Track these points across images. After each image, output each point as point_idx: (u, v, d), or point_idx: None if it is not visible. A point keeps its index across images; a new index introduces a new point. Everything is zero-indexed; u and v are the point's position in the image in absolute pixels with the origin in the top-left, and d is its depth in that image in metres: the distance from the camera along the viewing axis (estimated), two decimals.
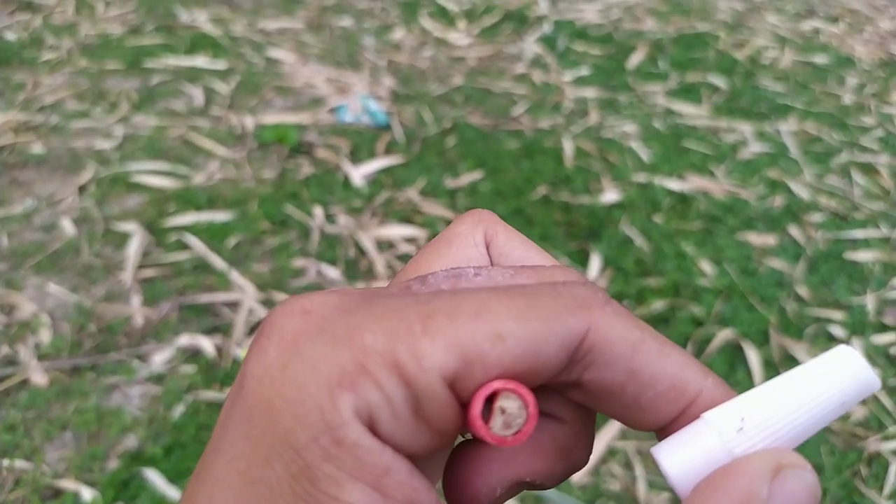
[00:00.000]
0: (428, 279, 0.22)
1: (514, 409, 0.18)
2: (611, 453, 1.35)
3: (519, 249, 0.24)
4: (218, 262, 1.68)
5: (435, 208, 1.91)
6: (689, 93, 2.62)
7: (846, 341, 1.61)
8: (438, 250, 0.24)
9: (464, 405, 0.19)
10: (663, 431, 0.21)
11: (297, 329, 0.19)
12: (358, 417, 0.17)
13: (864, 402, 1.48)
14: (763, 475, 0.18)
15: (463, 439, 0.24)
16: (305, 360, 0.18)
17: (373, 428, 0.18)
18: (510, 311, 0.19)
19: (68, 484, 1.23)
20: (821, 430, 0.19)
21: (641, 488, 1.29)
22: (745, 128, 2.41)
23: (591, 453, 0.23)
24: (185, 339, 1.49)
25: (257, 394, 0.18)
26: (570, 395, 0.21)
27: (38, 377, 1.40)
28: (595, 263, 1.76)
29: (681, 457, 0.19)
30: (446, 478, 0.22)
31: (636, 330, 0.20)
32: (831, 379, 0.19)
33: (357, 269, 1.70)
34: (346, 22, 2.99)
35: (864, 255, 1.87)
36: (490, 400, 0.19)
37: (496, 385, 0.18)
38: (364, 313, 0.19)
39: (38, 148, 2.05)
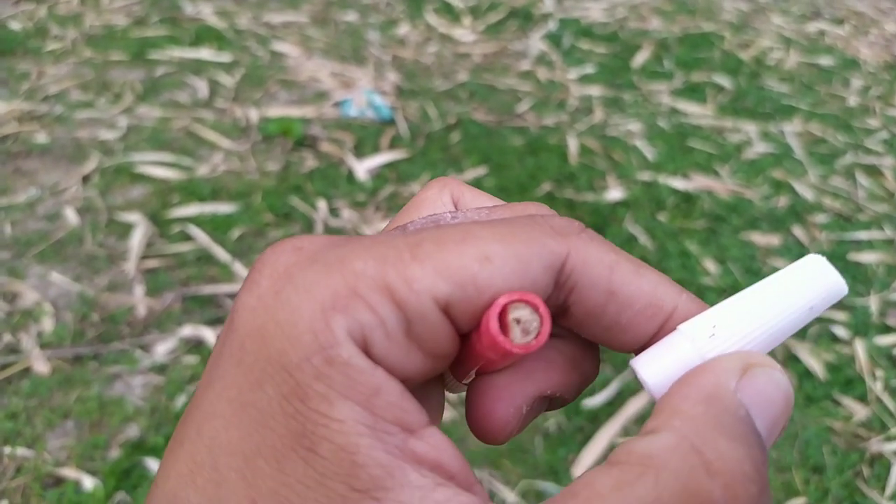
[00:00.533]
0: (407, 227, 0.23)
1: (527, 315, 0.19)
2: (612, 449, 1.35)
3: (487, 205, 0.25)
4: (221, 254, 1.68)
5: None
6: (694, 92, 2.62)
7: (849, 342, 1.61)
8: (409, 215, 0.25)
9: (460, 330, 0.19)
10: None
11: (290, 261, 0.19)
12: (351, 338, 0.18)
13: (866, 404, 1.48)
14: (732, 372, 0.19)
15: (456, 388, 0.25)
16: (298, 286, 0.18)
17: (366, 349, 0.18)
18: (494, 236, 0.19)
19: (70, 472, 1.22)
20: (792, 334, 0.20)
21: None
22: (750, 128, 2.40)
23: (599, 365, 0.23)
24: (187, 330, 1.48)
25: (250, 322, 0.18)
26: (560, 323, 0.22)
27: (41, 365, 1.40)
28: None
29: (656, 365, 0.20)
30: (471, 416, 0.22)
31: (612, 253, 0.21)
32: (800, 286, 0.20)
33: None
34: (351, 16, 2.98)
35: (867, 257, 1.87)
36: (499, 318, 0.19)
37: (503, 300, 0.19)
38: (354, 245, 0.19)
39: (42, 137, 2.05)
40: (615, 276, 0.20)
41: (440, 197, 0.25)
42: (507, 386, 0.22)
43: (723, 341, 0.19)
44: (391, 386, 0.18)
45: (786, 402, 0.19)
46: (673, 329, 0.21)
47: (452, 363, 0.22)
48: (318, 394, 0.17)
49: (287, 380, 0.17)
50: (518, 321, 0.19)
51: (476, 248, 0.19)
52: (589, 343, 0.23)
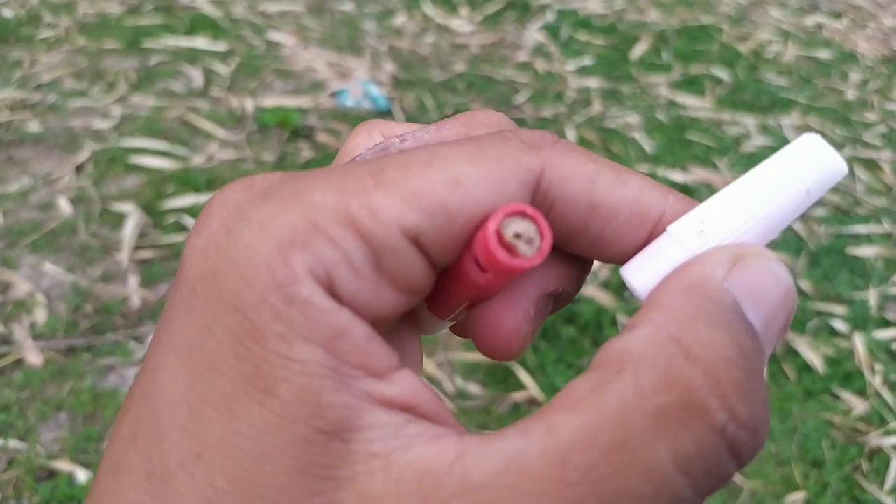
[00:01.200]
0: (356, 160, 0.21)
1: (522, 226, 0.18)
2: None
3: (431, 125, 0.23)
4: None
5: None
6: (692, 85, 2.60)
7: (848, 336, 1.61)
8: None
9: (433, 261, 0.18)
10: None
11: (241, 199, 0.17)
12: (312, 276, 0.16)
13: (865, 398, 1.47)
14: (720, 263, 0.17)
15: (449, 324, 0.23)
16: (252, 222, 0.17)
17: (331, 288, 0.16)
18: (462, 156, 0.18)
19: (63, 465, 1.21)
20: (790, 223, 0.19)
21: None
22: (749, 121, 2.39)
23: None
24: None
25: (200, 265, 0.17)
26: None
27: (33, 357, 1.38)
28: None
29: (645, 270, 0.19)
30: (478, 334, 0.21)
31: (591, 163, 0.19)
32: (795, 169, 0.19)
33: None
34: (348, 6, 2.96)
35: (866, 251, 1.86)
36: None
37: (493, 225, 0.17)
38: (310, 177, 0.17)
39: (34, 126, 2.02)
40: (596, 187, 0.19)
41: (371, 140, 0.23)
42: (509, 293, 0.20)
43: (713, 237, 0.18)
44: (357, 328, 0.16)
45: (784, 292, 0.17)
46: (662, 232, 0.19)
47: (430, 302, 0.20)
48: (277, 335, 0.15)
49: (241, 321, 0.16)
50: (518, 235, 0.17)
51: (444, 170, 0.17)
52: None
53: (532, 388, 1.42)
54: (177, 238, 1.67)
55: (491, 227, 0.17)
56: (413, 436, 0.16)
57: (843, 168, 0.18)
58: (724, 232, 0.18)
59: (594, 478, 0.15)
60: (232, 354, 0.16)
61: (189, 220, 1.72)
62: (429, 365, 1.44)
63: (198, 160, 1.94)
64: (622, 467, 0.15)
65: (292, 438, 0.15)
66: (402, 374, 0.17)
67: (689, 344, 0.16)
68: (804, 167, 0.18)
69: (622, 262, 0.20)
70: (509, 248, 0.17)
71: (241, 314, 0.16)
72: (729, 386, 0.15)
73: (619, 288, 1.68)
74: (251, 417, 0.15)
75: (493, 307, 0.20)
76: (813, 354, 1.55)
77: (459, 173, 0.17)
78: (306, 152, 2.01)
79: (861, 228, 1.94)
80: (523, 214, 0.18)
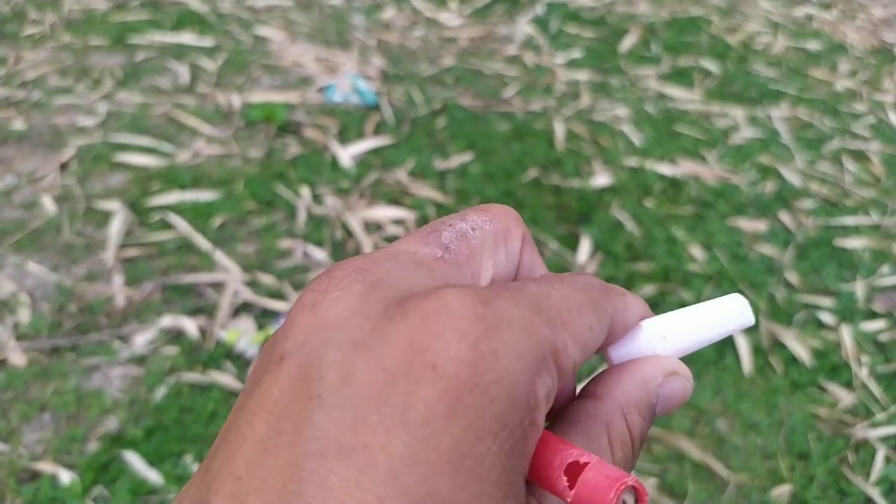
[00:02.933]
0: (444, 243, 0.26)
1: (630, 501, 0.22)
2: None
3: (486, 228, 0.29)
4: (202, 243, 1.65)
5: (424, 190, 1.88)
6: (681, 77, 2.60)
7: (835, 328, 1.61)
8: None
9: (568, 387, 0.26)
10: None
11: (492, 319, 0.21)
12: (545, 401, 0.21)
13: (852, 390, 1.48)
14: (661, 372, 0.26)
15: None
16: (510, 348, 0.20)
17: None
18: (588, 305, 0.24)
19: (46, 466, 1.20)
20: (708, 345, 0.29)
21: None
22: (737, 113, 2.39)
23: None
24: (167, 320, 1.46)
25: (467, 376, 0.20)
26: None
27: (17, 357, 1.37)
28: (585, 247, 1.75)
29: (623, 351, 0.27)
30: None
31: (623, 296, 0.27)
32: (721, 314, 0.28)
33: (344, 250, 1.68)
34: (336, 0, 2.94)
35: (854, 242, 1.86)
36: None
37: (612, 495, 0.21)
38: (525, 305, 0.22)
39: (19, 124, 2.01)
40: (628, 313, 0.26)
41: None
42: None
43: (669, 344, 0.27)
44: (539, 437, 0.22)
45: (682, 399, 0.26)
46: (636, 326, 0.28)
47: None
48: (525, 452, 0.20)
49: (507, 438, 0.20)
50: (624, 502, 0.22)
51: (584, 318, 0.23)
52: None
53: None
54: (162, 236, 1.66)
55: (611, 496, 0.21)
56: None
57: (752, 322, 0.28)
58: (675, 343, 0.27)
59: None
60: (499, 464, 0.20)
61: (175, 218, 1.71)
62: None
63: (184, 157, 1.93)
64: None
65: None
66: None
67: (631, 424, 0.25)
68: (727, 316, 0.28)
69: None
70: None
71: (507, 431, 0.20)
72: (637, 448, 0.25)
73: None
74: None
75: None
76: (800, 347, 1.55)
77: (592, 321, 0.24)
78: (293, 148, 2.00)
79: (849, 220, 1.94)
80: (634, 490, 0.22)
